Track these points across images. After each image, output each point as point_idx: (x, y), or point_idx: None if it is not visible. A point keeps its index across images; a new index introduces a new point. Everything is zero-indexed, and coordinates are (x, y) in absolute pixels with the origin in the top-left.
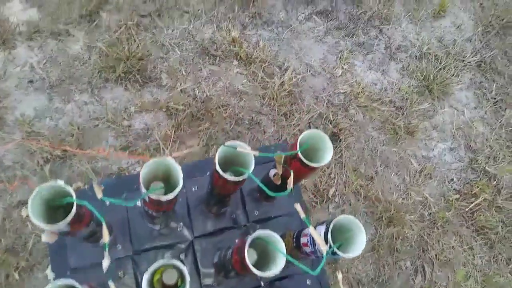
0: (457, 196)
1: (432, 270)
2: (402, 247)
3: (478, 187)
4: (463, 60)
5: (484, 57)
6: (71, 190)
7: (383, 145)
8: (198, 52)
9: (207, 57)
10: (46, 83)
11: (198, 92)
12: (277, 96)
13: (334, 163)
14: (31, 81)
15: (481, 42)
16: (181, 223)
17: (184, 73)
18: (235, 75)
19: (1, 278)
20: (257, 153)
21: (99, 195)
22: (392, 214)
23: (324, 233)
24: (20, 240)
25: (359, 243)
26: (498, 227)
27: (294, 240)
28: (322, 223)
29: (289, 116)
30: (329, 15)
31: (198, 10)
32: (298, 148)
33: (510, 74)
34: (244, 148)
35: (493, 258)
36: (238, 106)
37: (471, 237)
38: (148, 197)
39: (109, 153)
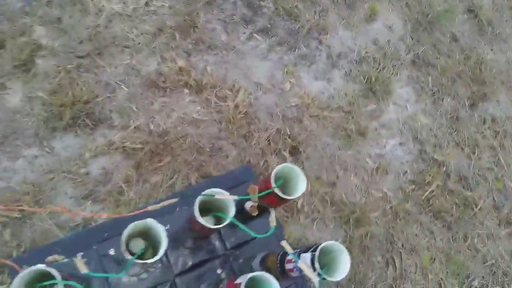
0: (413, 186)
1: (401, 259)
2: (372, 244)
3: (430, 175)
4: (399, 59)
5: (417, 53)
6: (55, 273)
7: (339, 149)
8: (146, 86)
9: (156, 89)
10: None
11: (153, 127)
12: (233, 119)
13: None
14: None
15: (412, 39)
16: (159, 264)
17: (135, 109)
18: (188, 104)
19: None
20: (236, 197)
21: (84, 270)
22: (358, 214)
23: (310, 260)
24: None
25: (343, 263)
26: (452, 209)
27: (279, 264)
28: (306, 251)
29: (249, 137)
30: (269, 32)
31: (139, 43)
32: (273, 185)
33: (442, 65)
34: (222, 194)
35: (452, 237)
36: (196, 134)
37: (430, 222)
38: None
39: (70, 210)
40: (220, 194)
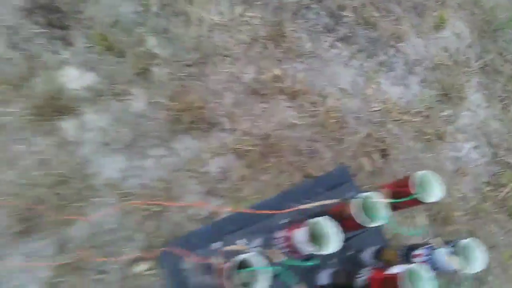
0: (489, 187)
1: None
2: None
3: (504, 177)
4: (469, 66)
5: (485, 61)
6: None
7: (421, 152)
8: (247, 92)
9: (256, 96)
10: (120, 144)
11: (258, 130)
12: (326, 123)
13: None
14: (106, 144)
15: (479, 47)
16: None
17: (240, 114)
18: (284, 109)
19: None
20: (388, 200)
21: (279, 258)
22: (444, 214)
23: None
24: None
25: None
26: None
27: (402, 258)
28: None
29: (341, 140)
30: (350, 40)
31: (237, 52)
32: (414, 191)
33: (508, 73)
34: (378, 198)
35: None
36: (294, 138)
37: (507, 221)
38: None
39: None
40: (376, 198)
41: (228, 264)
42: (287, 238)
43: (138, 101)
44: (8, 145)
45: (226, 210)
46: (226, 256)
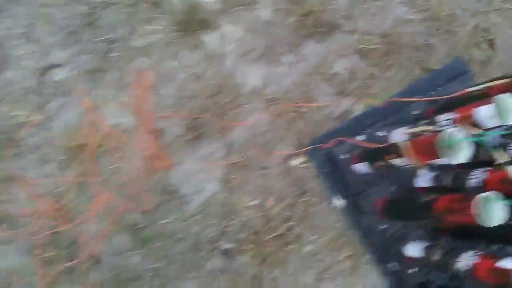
0: None
1: None
2: None
3: None
4: None
5: None
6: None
7: None
8: None
9: None
10: (256, 53)
11: (376, 29)
12: (438, 16)
13: None
14: (245, 54)
15: None
16: None
17: (357, 15)
18: (397, 5)
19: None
20: None
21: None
22: None
23: None
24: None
25: None
26: None
27: None
28: None
29: (452, 33)
30: None
31: None
32: None
33: None
34: None
35: None
36: (410, 34)
37: None
38: None
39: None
40: None
41: (432, 137)
42: (463, 118)
43: (265, 9)
44: (162, 62)
45: (359, 108)
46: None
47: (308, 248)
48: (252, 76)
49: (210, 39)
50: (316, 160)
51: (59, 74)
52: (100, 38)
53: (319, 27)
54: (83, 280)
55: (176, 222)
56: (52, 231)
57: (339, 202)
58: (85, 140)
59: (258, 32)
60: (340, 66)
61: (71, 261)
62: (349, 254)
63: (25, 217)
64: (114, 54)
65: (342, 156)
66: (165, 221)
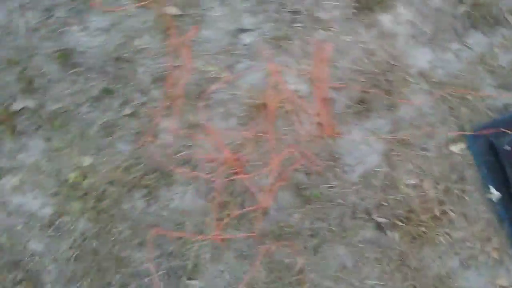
0: None
1: None
2: None
3: None
4: None
5: None
6: None
7: None
8: None
9: None
10: (426, 37)
11: None
12: None
13: None
14: (414, 36)
15: None
16: None
17: None
18: None
19: None
20: None
21: None
22: None
23: None
24: None
25: None
26: None
27: None
28: None
29: None
30: None
31: None
32: None
33: None
34: None
35: None
36: None
37: None
38: None
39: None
40: None
41: None
42: None
43: None
44: (340, 36)
45: None
46: None
47: (459, 234)
48: (420, 58)
49: (384, 18)
50: (476, 149)
51: (248, 38)
52: (286, 9)
53: (486, 19)
54: (249, 228)
55: (337, 188)
56: (229, 179)
57: (494, 193)
58: (266, 100)
59: (428, 17)
60: (505, 60)
61: (242, 209)
62: (496, 246)
63: (206, 163)
64: (297, 24)
65: (504, 148)
66: (328, 185)
